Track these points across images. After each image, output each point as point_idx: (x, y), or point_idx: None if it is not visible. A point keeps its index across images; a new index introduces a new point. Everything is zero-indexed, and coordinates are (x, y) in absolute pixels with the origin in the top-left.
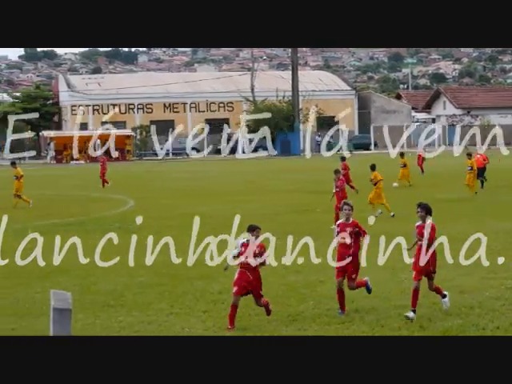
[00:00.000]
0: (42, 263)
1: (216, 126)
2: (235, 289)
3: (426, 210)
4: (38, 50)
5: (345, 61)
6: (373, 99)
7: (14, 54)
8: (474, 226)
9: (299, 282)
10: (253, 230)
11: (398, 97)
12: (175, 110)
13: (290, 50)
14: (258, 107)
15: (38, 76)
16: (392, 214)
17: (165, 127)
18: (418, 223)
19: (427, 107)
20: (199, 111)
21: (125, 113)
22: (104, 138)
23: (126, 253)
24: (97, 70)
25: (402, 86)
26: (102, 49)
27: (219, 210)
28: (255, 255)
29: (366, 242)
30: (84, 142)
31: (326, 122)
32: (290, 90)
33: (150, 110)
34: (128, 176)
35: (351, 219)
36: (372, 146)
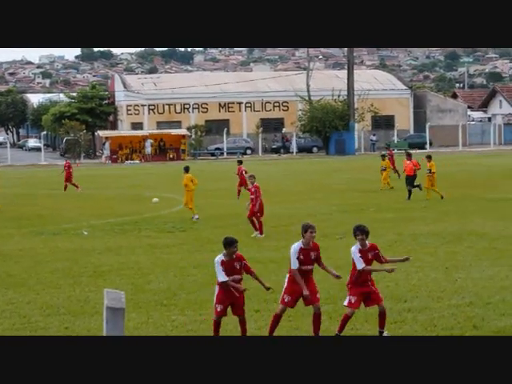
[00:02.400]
0: (95, 262)
1: (271, 125)
2: (287, 298)
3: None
4: (95, 50)
5: (401, 60)
6: (428, 98)
7: (70, 54)
8: None
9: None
10: (230, 244)
11: (454, 96)
12: (230, 109)
13: (345, 49)
14: (314, 106)
15: (94, 76)
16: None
17: (220, 127)
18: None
19: (483, 106)
20: (254, 111)
21: (180, 112)
22: (159, 138)
23: (178, 252)
24: (153, 70)
25: (457, 85)
26: (158, 49)
27: (273, 209)
28: (237, 270)
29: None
30: (139, 141)
31: (381, 122)
32: (345, 90)
33: (205, 110)
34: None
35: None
36: (427, 145)
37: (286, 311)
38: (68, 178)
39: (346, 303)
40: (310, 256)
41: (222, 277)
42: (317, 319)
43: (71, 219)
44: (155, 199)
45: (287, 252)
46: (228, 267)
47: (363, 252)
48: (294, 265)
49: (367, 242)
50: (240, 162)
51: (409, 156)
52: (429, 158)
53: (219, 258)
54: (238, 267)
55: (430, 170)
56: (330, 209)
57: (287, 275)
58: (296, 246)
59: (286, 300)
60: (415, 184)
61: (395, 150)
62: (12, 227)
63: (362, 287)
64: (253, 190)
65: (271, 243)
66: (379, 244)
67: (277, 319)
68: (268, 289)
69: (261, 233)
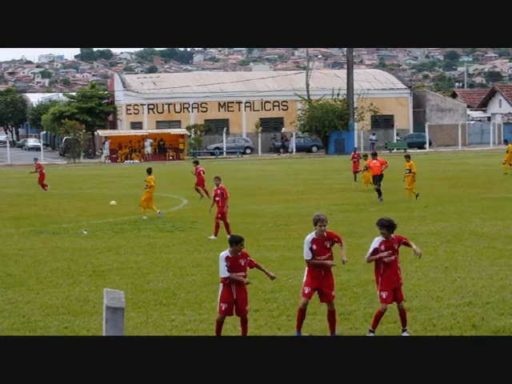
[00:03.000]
0: (95, 262)
1: (270, 125)
2: (307, 290)
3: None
4: (94, 49)
5: (400, 59)
6: (428, 98)
7: (70, 53)
8: None
9: (351, 280)
10: (237, 242)
11: (454, 95)
12: (230, 109)
13: (345, 48)
14: (313, 106)
15: (93, 75)
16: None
17: (219, 126)
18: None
19: (483, 105)
20: (254, 110)
21: (179, 112)
22: (158, 138)
23: (178, 252)
24: (152, 70)
25: (457, 84)
26: (157, 48)
27: (273, 209)
28: (242, 266)
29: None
30: (138, 141)
31: (380, 121)
32: (344, 89)
33: (204, 109)
34: (182, 175)
35: (392, 235)
36: (427, 145)
37: (289, 311)
38: (42, 179)
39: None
40: (324, 245)
41: (223, 272)
42: (331, 317)
43: (70, 219)
44: (112, 202)
45: (287, 251)
46: (233, 263)
47: (386, 243)
48: (307, 255)
49: (392, 235)
50: (196, 163)
51: (374, 155)
52: (407, 157)
53: (225, 253)
54: (243, 264)
55: (410, 169)
56: (330, 208)
57: (306, 268)
58: (309, 236)
59: (306, 292)
60: (416, 194)
61: (394, 150)
62: (11, 227)
63: (392, 282)
64: (218, 191)
65: (270, 243)
66: None
67: (301, 313)
68: (273, 278)
69: (228, 233)
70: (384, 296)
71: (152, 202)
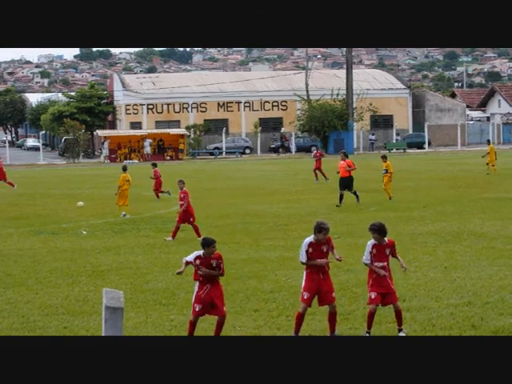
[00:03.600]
0: (94, 262)
1: (270, 125)
2: (306, 295)
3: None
4: (94, 49)
5: (399, 59)
6: (427, 98)
7: (69, 53)
8: None
9: (351, 280)
10: (209, 244)
11: (453, 95)
12: (229, 109)
13: (344, 48)
14: (312, 106)
15: (92, 75)
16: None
17: (219, 126)
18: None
19: (482, 105)
20: (253, 110)
21: (179, 112)
22: (158, 137)
23: (177, 252)
24: (152, 70)
25: (456, 84)
26: (156, 48)
27: (272, 209)
28: (213, 267)
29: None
30: (138, 141)
31: (380, 121)
32: (344, 89)
33: (203, 109)
34: (181, 175)
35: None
36: (426, 145)
37: (288, 311)
38: (2, 177)
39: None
40: (321, 249)
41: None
42: (332, 318)
43: (70, 219)
44: (80, 203)
45: (286, 251)
46: (205, 264)
47: (378, 247)
48: (302, 258)
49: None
50: (155, 165)
51: (344, 156)
52: (384, 158)
53: (196, 254)
54: (215, 265)
55: (387, 170)
56: (330, 208)
57: (304, 272)
58: (307, 239)
59: (305, 297)
60: (390, 196)
61: (393, 150)
62: (11, 227)
63: (382, 287)
64: (182, 195)
65: (270, 243)
66: None
67: (300, 318)
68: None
69: (199, 236)
70: (373, 296)
71: (123, 200)
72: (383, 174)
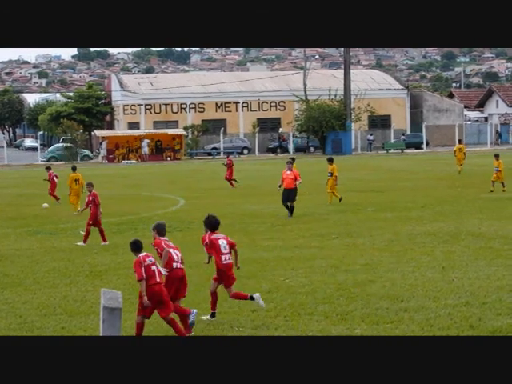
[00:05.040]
0: (92, 262)
1: (268, 125)
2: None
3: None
4: (91, 49)
5: (397, 59)
6: (425, 98)
7: (67, 53)
8: None
9: (348, 281)
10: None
11: (451, 96)
12: (227, 109)
13: (342, 48)
14: (310, 106)
15: (90, 76)
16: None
17: (216, 126)
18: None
19: (480, 106)
20: (251, 110)
21: (177, 112)
22: (155, 138)
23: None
24: (149, 70)
25: (454, 84)
26: (154, 48)
27: (270, 209)
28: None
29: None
30: (136, 141)
31: (377, 121)
32: (342, 89)
33: (202, 110)
34: (179, 175)
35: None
36: (424, 145)
37: (286, 311)
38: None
39: None
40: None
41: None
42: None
43: (68, 219)
44: (45, 204)
45: (284, 251)
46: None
47: None
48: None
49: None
50: (49, 168)
51: (291, 163)
52: (330, 160)
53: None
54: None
55: (332, 173)
56: (327, 209)
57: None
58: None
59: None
60: (339, 198)
61: (391, 150)
62: (8, 227)
63: None
64: (91, 198)
65: (268, 243)
66: (376, 243)
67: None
68: None
69: (104, 240)
70: None
71: (75, 198)
72: (328, 176)
